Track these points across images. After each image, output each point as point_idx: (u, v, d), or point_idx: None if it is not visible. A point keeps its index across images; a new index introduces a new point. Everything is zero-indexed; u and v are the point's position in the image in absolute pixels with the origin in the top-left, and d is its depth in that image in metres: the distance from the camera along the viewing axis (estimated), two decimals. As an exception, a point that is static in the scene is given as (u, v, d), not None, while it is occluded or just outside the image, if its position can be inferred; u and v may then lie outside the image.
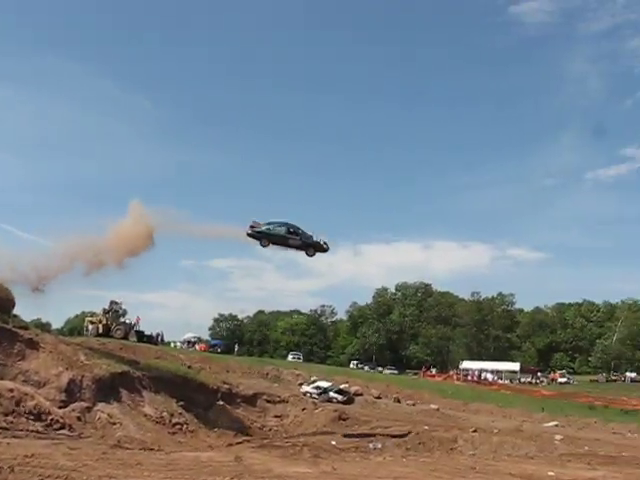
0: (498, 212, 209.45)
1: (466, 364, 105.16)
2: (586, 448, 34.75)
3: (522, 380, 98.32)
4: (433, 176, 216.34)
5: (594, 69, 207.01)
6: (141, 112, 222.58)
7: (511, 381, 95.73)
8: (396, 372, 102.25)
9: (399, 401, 55.84)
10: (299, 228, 37.80)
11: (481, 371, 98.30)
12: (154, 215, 37.53)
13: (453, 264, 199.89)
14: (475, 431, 36.69)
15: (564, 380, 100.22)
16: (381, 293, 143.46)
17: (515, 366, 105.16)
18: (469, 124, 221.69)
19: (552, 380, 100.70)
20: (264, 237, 37.35)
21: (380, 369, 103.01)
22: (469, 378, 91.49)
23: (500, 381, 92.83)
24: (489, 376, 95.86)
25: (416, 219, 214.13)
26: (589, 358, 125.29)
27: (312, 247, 38.19)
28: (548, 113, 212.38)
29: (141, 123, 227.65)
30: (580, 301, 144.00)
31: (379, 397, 56.25)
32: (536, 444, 34.17)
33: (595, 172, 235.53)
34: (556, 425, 49.52)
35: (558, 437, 38.19)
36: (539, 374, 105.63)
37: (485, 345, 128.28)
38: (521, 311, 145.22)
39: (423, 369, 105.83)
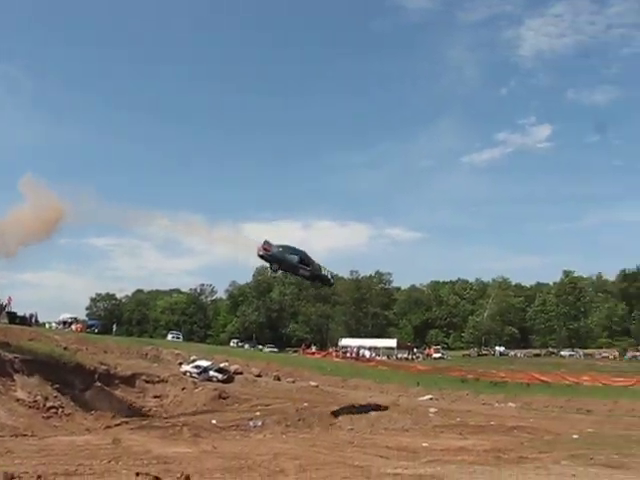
0: (376, 192, 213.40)
1: (345, 341, 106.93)
2: (458, 419, 36.19)
3: (399, 356, 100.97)
4: (314, 157, 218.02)
5: (472, 57, 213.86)
6: None
7: (388, 357, 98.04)
8: (276, 350, 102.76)
9: (279, 379, 56.18)
10: (310, 258, 37.44)
11: (359, 348, 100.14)
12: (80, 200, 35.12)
13: (332, 243, 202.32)
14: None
15: (438, 355, 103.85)
16: (261, 272, 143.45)
17: (392, 342, 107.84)
18: (350, 107, 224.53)
19: (427, 355, 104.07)
20: (276, 262, 36.88)
21: (260, 347, 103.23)
22: (348, 355, 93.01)
23: (378, 357, 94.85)
24: (367, 353, 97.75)
25: (296, 198, 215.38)
26: (462, 334, 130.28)
27: (320, 279, 38.32)
28: (427, 98, 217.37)
29: None
30: (454, 279, 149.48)
31: (259, 375, 56.42)
32: (411, 417, 35.30)
33: (470, 156, 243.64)
34: (430, 398, 51.26)
35: (432, 410, 39.56)
36: (415, 350, 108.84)
37: (363, 322, 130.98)
38: (398, 289, 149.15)
39: (303, 347, 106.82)
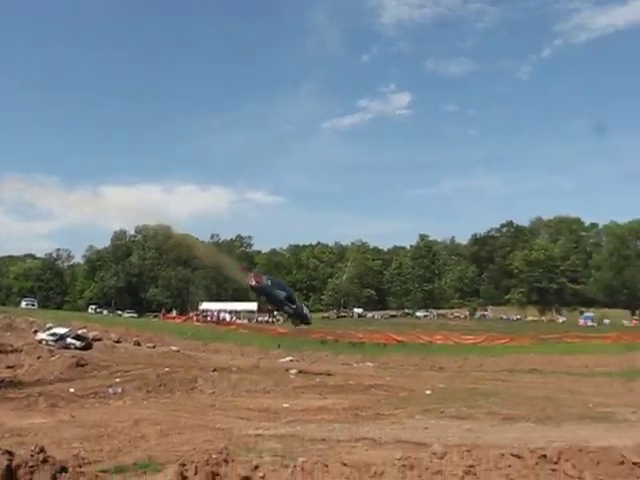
0: (237, 156, 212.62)
1: (205, 305, 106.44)
2: (318, 380, 37.06)
3: (259, 319, 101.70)
4: (174, 121, 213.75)
5: (335, 23, 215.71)
6: None
7: (249, 320, 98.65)
8: (136, 315, 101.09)
9: (139, 344, 55.43)
10: (296, 298, 40.00)
11: (220, 311, 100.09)
12: None
13: (193, 207, 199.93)
14: (215, 370, 37.53)
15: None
16: (119, 236, 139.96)
17: (253, 306, 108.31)
18: (212, 71, 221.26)
19: (287, 318, 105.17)
20: (264, 295, 38.91)
21: (119, 313, 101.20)
22: (208, 319, 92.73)
23: (238, 321, 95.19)
24: (227, 316, 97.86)
25: (156, 162, 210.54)
26: (321, 296, 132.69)
27: (300, 318, 39.87)
28: (289, 63, 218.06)
29: None
30: (314, 243, 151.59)
31: (119, 341, 55.39)
32: (272, 379, 35.78)
33: (332, 121, 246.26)
34: (291, 360, 52.18)
35: (293, 371, 40.29)
36: (275, 313, 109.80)
37: (224, 286, 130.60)
38: (259, 253, 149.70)
39: (163, 311, 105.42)
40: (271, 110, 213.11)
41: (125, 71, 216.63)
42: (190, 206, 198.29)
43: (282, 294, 38.92)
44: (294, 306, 39.27)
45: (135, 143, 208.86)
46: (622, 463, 13.38)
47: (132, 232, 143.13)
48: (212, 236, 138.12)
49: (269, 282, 39.09)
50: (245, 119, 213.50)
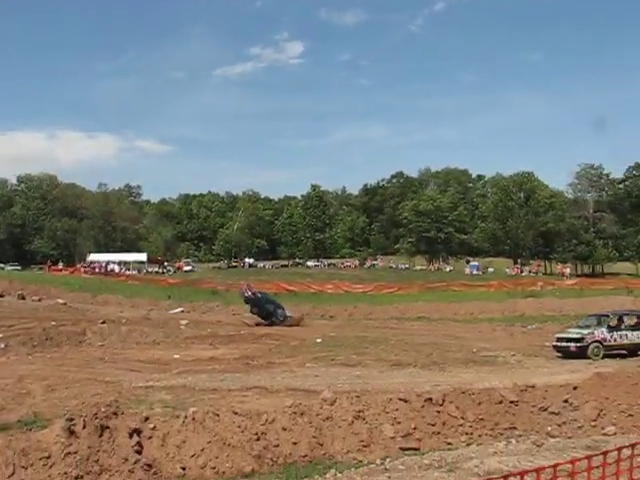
0: (126, 103, 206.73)
1: (93, 256, 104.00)
2: (209, 330, 36.99)
3: (149, 270, 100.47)
4: (58, 65, 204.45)
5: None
6: None
7: (139, 271, 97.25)
8: (19, 268, 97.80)
9: (24, 298, 53.53)
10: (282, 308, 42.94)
11: (108, 263, 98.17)
12: None
13: (79, 155, 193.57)
14: (104, 322, 36.79)
15: (189, 268, 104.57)
16: (1, 185, 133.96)
17: (142, 257, 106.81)
18: (95, 14, 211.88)
19: (178, 269, 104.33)
20: (256, 306, 41.99)
21: (2, 266, 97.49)
22: (97, 270, 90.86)
23: (128, 272, 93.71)
24: (116, 267, 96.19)
25: (38, 107, 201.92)
26: (213, 247, 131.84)
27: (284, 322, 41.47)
28: (180, 7, 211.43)
29: None
30: (204, 192, 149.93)
31: (1, 295, 53.36)
32: (163, 330, 35.46)
33: (223, 69, 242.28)
34: (182, 311, 51.77)
35: (184, 322, 40.03)
36: (165, 264, 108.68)
37: (113, 237, 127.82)
38: (148, 202, 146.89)
39: (49, 263, 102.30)
40: (161, 56, 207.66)
41: (6, 15, 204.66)
42: (76, 154, 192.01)
43: (270, 307, 42.46)
44: (280, 317, 42.17)
45: (14, 87, 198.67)
46: (501, 402, 14.14)
47: (14, 181, 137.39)
48: (99, 185, 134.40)
49: (259, 295, 43.45)
50: (134, 65, 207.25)
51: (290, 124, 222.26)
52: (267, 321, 41.78)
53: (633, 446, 4.75)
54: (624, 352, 27.32)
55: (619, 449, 4.65)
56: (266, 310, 42.32)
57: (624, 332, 27.58)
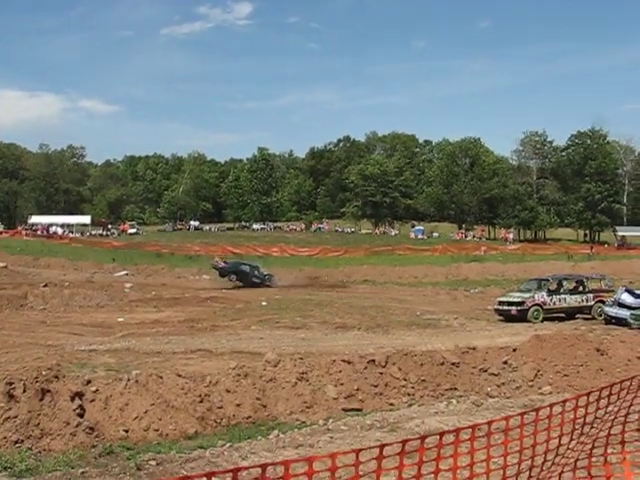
0: (69, 61, 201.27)
1: (35, 219, 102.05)
2: (154, 293, 36.83)
3: (93, 233, 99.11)
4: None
5: None
6: None
7: (82, 234, 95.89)
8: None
9: (-39, 261, 52.42)
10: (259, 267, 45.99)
11: (51, 225, 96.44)
12: None
13: (20, 114, 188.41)
14: (46, 286, 36.29)
15: (134, 231, 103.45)
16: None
17: (86, 219, 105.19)
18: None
19: (122, 231, 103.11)
20: (233, 273, 43.98)
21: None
22: (39, 233, 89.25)
23: (71, 234, 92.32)
24: (59, 230, 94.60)
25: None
26: (158, 209, 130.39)
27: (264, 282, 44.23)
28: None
29: None
30: (150, 154, 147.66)
31: (-62, 258, 52.17)
32: (107, 293, 35.14)
33: (170, 28, 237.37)
34: (126, 274, 51.36)
35: (128, 285, 39.75)
36: (110, 226, 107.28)
37: (55, 199, 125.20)
38: (92, 164, 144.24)
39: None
40: (108, 14, 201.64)
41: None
42: (17, 114, 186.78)
43: (246, 268, 44.54)
44: (260, 275, 44.63)
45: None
46: (442, 364, 14.43)
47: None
48: (41, 146, 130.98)
49: (230, 263, 46.11)
50: (80, 22, 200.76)
51: (238, 87, 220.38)
52: (247, 283, 42.94)
53: (564, 402, 4.91)
54: (563, 315, 28.08)
55: (551, 405, 4.81)
56: (243, 272, 43.96)
57: (563, 296, 28.30)
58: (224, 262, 45.78)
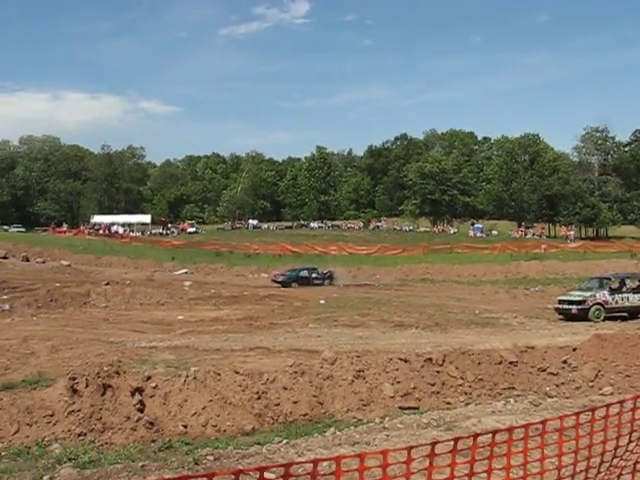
0: (129, 63, 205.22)
1: (97, 218, 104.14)
2: (212, 291, 37.28)
3: (153, 232, 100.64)
4: (59, 25, 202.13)
5: None
6: None
7: (142, 233, 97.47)
8: (24, 230, 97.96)
9: (28, 259, 53.90)
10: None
11: (112, 224, 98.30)
12: None
13: (83, 116, 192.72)
14: (108, 284, 37.11)
15: (193, 230, 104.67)
16: (1, 147, 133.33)
17: (146, 218, 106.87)
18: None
19: (182, 230, 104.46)
20: (293, 282, 44.67)
21: (6, 228, 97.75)
22: (101, 232, 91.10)
23: (132, 234, 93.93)
24: (120, 229, 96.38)
25: (42, 67, 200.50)
26: (217, 208, 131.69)
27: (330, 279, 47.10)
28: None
29: None
30: (209, 154, 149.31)
31: (5, 257, 53.74)
32: (167, 291, 35.77)
33: (228, 29, 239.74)
34: (186, 272, 52.13)
35: (187, 283, 40.33)
36: (169, 225, 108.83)
37: (116, 199, 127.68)
38: (151, 164, 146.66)
39: (52, 225, 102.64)
40: (165, 16, 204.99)
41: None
42: (79, 116, 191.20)
43: (305, 272, 46.28)
44: (320, 274, 46.69)
45: (18, 49, 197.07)
46: (500, 363, 14.28)
47: (16, 143, 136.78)
48: (103, 147, 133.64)
49: (288, 273, 46.50)
50: (138, 25, 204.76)
51: (294, 85, 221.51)
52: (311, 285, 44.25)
53: (621, 403, 4.84)
54: (625, 314, 27.48)
55: (607, 405, 4.74)
56: (303, 278, 45.48)
57: (625, 295, 27.72)
58: (282, 274, 46.63)
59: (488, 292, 40.99)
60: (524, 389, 13.76)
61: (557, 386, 14.01)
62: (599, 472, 5.09)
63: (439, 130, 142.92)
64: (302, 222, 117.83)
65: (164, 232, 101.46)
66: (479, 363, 14.09)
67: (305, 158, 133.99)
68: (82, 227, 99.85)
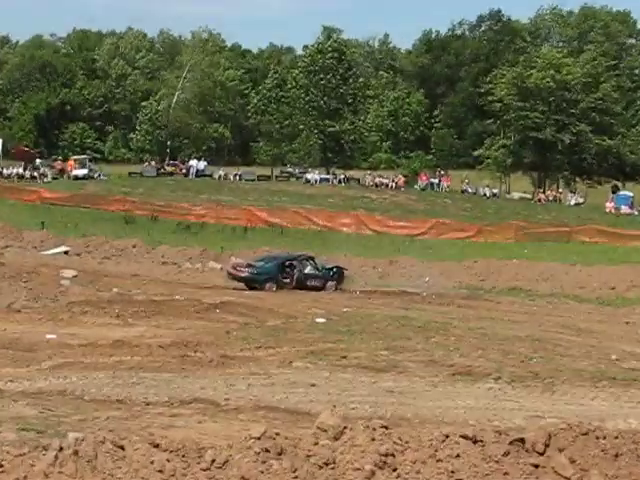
0: None
1: None
2: (115, 290, 37.42)
3: (6, 171, 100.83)
4: None
5: None
6: None
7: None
8: None
9: None
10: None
11: None
12: None
13: None
14: None
15: (84, 172, 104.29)
16: None
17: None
18: None
19: (61, 172, 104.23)
20: (269, 280, 46.34)
21: None
22: None
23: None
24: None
25: None
26: (131, 134, 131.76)
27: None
28: None
29: None
30: (120, 30, 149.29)
31: None
32: (28, 286, 35.87)
33: None
34: (65, 252, 52.26)
35: (68, 273, 40.43)
36: (38, 161, 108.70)
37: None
38: (9, 43, 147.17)
39: None
40: None
41: None
42: None
43: (294, 264, 47.39)
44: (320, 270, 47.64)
45: None
46: (656, 457, 14.28)
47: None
48: None
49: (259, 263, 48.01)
50: None
51: None
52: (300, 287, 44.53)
53: None
54: None
55: None
56: (287, 273, 45.94)
57: None
58: (249, 265, 46.23)
59: (639, 321, 41.00)
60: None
61: None
62: None
63: (563, 7, 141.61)
64: (291, 170, 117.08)
65: (27, 174, 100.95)
66: (616, 455, 14.08)
67: (303, 48, 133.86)
68: None
